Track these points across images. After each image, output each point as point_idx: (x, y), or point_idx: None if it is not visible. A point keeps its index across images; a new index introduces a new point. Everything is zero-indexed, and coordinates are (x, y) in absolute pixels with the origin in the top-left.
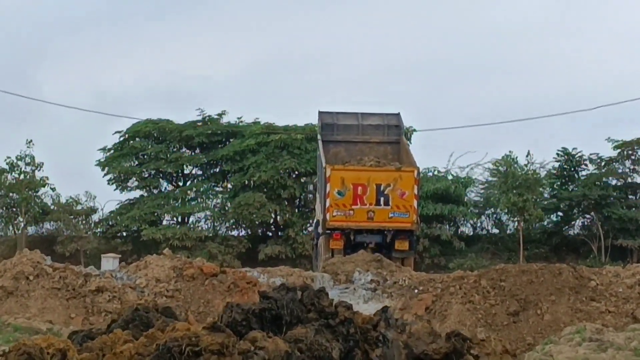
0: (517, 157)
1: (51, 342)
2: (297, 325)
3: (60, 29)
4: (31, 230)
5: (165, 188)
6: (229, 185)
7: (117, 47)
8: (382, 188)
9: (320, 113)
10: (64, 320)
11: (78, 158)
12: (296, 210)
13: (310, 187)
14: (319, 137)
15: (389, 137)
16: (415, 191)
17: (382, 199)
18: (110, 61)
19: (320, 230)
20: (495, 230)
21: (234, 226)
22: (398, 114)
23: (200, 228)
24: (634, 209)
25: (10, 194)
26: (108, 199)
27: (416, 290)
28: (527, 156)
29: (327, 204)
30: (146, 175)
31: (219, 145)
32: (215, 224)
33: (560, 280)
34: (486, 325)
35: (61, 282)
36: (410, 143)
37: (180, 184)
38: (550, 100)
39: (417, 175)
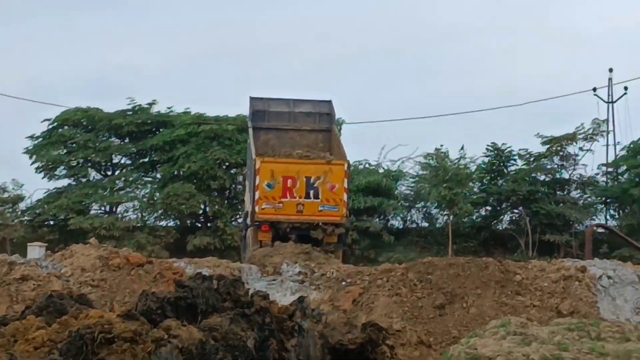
0: (448, 151)
1: None
2: (212, 315)
3: None
4: None
5: (94, 177)
6: (158, 175)
7: (47, 35)
8: (312, 181)
9: (251, 99)
10: None
11: (5, 146)
12: (226, 202)
13: (240, 179)
14: (249, 124)
15: (320, 125)
16: (345, 184)
17: (311, 192)
18: (40, 49)
19: (249, 221)
20: (425, 224)
21: (162, 217)
22: (330, 102)
23: (128, 218)
24: (561, 204)
25: None
26: (36, 187)
27: (344, 283)
28: (460, 150)
29: (257, 197)
30: (74, 164)
31: (149, 135)
32: (144, 214)
33: (487, 274)
34: (412, 318)
35: None
36: (341, 134)
37: (109, 173)
38: (482, 96)
39: (347, 168)
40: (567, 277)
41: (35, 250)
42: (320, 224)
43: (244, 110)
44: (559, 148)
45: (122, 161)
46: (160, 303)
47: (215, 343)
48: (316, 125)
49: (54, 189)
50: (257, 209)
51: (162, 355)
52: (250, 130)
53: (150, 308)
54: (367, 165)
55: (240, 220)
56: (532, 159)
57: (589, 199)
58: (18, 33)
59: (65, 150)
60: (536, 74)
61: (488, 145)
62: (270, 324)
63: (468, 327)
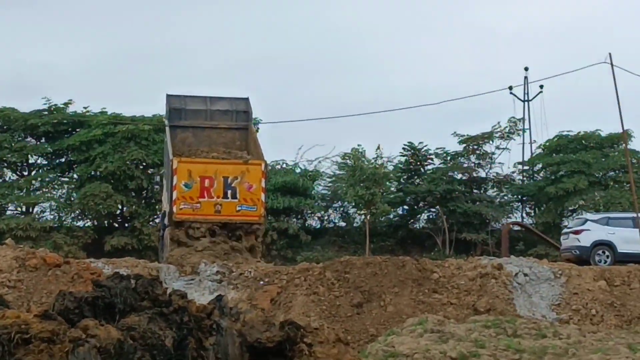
0: (365, 151)
1: None
2: (130, 314)
3: None
4: None
5: (10, 177)
6: (75, 176)
7: None
8: (229, 181)
9: (168, 96)
10: None
11: None
12: (143, 202)
13: (157, 178)
14: (166, 122)
15: (237, 122)
16: (263, 184)
17: (229, 191)
18: None
19: (166, 221)
20: (342, 224)
21: (79, 217)
22: (247, 99)
23: (45, 218)
24: (478, 203)
25: None
26: None
27: (262, 282)
28: (376, 150)
29: (174, 197)
30: None
31: (65, 135)
32: (61, 214)
33: (404, 272)
34: (330, 317)
35: None
36: (258, 132)
37: (25, 173)
38: (398, 96)
39: (264, 168)
40: (484, 275)
41: None
42: (237, 223)
43: (161, 110)
44: (475, 147)
45: (39, 161)
46: (77, 303)
47: (133, 342)
48: (233, 123)
49: None
50: (174, 209)
51: (80, 354)
52: (167, 129)
53: (68, 308)
54: (284, 165)
55: (158, 220)
56: (449, 157)
57: (505, 197)
58: None
59: None
60: (452, 73)
61: (405, 145)
62: (188, 323)
63: (386, 325)
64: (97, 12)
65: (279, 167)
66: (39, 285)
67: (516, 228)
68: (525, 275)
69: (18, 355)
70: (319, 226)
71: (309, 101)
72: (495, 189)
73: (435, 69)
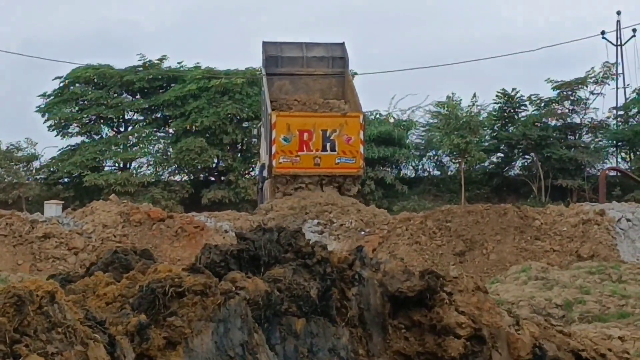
0: (460, 99)
1: (39, 285)
2: (274, 266)
3: None
4: None
5: (107, 134)
6: (171, 131)
7: None
8: (328, 134)
9: (264, 44)
10: (12, 266)
11: (16, 105)
12: (238, 155)
13: (255, 132)
14: (262, 71)
15: (333, 69)
16: (361, 136)
17: (328, 144)
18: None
19: (265, 174)
20: (437, 172)
21: (176, 171)
22: (342, 44)
23: (142, 173)
24: (573, 149)
25: None
26: (47, 145)
27: (362, 233)
28: (472, 98)
29: (273, 151)
30: (87, 121)
31: (160, 91)
32: (158, 169)
33: (506, 220)
34: (433, 266)
35: (7, 229)
36: (354, 78)
37: (122, 129)
38: (487, 44)
39: (362, 120)
40: (586, 221)
41: (52, 208)
42: (337, 176)
43: (254, 63)
44: (569, 92)
45: (135, 117)
46: (223, 256)
47: (279, 294)
48: (330, 70)
49: (67, 146)
50: (274, 163)
51: (231, 307)
52: (264, 79)
53: (214, 261)
54: (377, 116)
55: (255, 173)
56: (542, 104)
57: (600, 143)
58: None
59: (77, 108)
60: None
61: (498, 92)
62: (331, 274)
63: (489, 273)
64: None
65: (372, 117)
66: (144, 240)
67: (612, 173)
68: (628, 220)
69: (172, 308)
70: (413, 175)
71: (398, 51)
72: (590, 135)
73: (524, 16)
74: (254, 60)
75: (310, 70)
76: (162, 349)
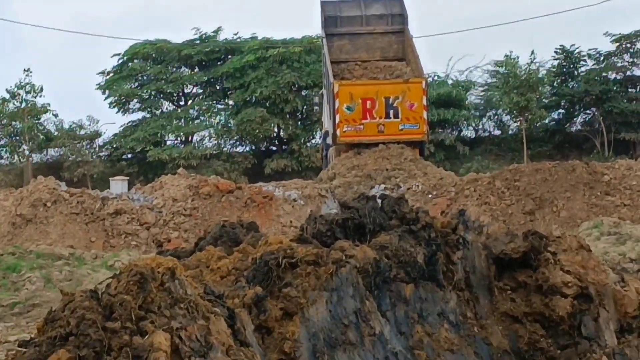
0: (518, 58)
1: (160, 262)
2: (380, 233)
3: None
4: (36, 157)
5: (167, 108)
6: (231, 102)
7: None
8: (390, 101)
9: (322, 3)
10: (85, 244)
11: (75, 83)
12: (299, 124)
13: (316, 100)
14: (322, 32)
15: (392, 26)
16: (424, 102)
17: (391, 111)
18: None
19: (329, 141)
20: (497, 132)
21: (238, 142)
22: (401, 0)
23: (204, 146)
24: (634, 102)
25: (13, 123)
26: (107, 122)
27: (430, 195)
28: (530, 55)
29: (337, 120)
30: (147, 97)
31: (218, 63)
32: (220, 141)
33: (574, 176)
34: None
35: (79, 207)
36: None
37: (182, 103)
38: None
39: (424, 86)
40: None
41: (118, 184)
42: (401, 142)
43: (310, 31)
44: (629, 45)
45: (194, 91)
46: (329, 225)
47: (387, 260)
48: (389, 27)
49: (128, 122)
50: (338, 132)
51: (343, 275)
52: (324, 41)
53: (320, 231)
54: (435, 78)
55: (314, 141)
56: (602, 58)
57: None
58: None
59: (137, 84)
60: None
61: (556, 48)
62: (436, 239)
63: (560, 230)
64: None
65: (430, 79)
66: (214, 212)
67: None
68: None
69: (287, 279)
70: (473, 136)
71: (452, 11)
72: None
73: None
74: (311, 28)
75: (369, 29)
76: (279, 320)
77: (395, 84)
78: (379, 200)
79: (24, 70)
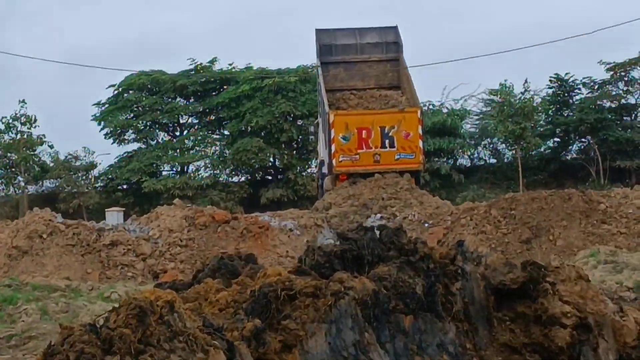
0: (512, 86)
1: (159, 295)
2: (378, 264)
3: None
4: (31, 189)
5: (162, 139)
6: (226, 132)
7: (86, 3)
8: (386, 130)
9: (317, 32)
10: (81, 275)
11: (70, 114)
12: (294, 153)
13: (311, 129)
14: (317, 61)
15: (387, 54)
16: (420, 131)
17: (387, 141)
18: (74, 14)
19: (325, 170)
20: (493, 160)
21: (233, 172)
22: (395, 28)
23: (200, 176)
24: (629, 130)
25: (9, 154)
26: (101, 153)
27: (426, 225)
28: (524, 83)
29: (333, 150)
30: (142, 127)
31: (213, 93)
32: (215, 171)
33: (570, 205)
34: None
35: (75, 239)
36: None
37: (177, 133)
38: (533, 30)
39: (420, 115)
40: None
41: (114, 215)
42: (397, 172)
43: (304, 60)
44: (623, 73)
45: (189, 121)
46: (327, 257)
47: (386, 292)
48: (384, 56)
49: (124, 153)
50: (334, 162)
51: (342, 307)
52: (319, 70)
53: (319, 262)
54: (430, 107)
55: (311, 171)
56: (596, 86)
57: None
58: (54, 1)
59: (132, 115)
60: (584, 4)
61: (551, 77)
62: (434, 270)
63: (557, 259)
64: None
65: (425, 108)
66: (210, 242)
67: None
68: None
69: (286, 311)
70: (469, 165)
71: (445, 41)
72: None
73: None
74: (306, 57)
75: (364, 57)
76: (279, 352)
77: (391, 113)
78: (377, 231)
79: (19, 101)
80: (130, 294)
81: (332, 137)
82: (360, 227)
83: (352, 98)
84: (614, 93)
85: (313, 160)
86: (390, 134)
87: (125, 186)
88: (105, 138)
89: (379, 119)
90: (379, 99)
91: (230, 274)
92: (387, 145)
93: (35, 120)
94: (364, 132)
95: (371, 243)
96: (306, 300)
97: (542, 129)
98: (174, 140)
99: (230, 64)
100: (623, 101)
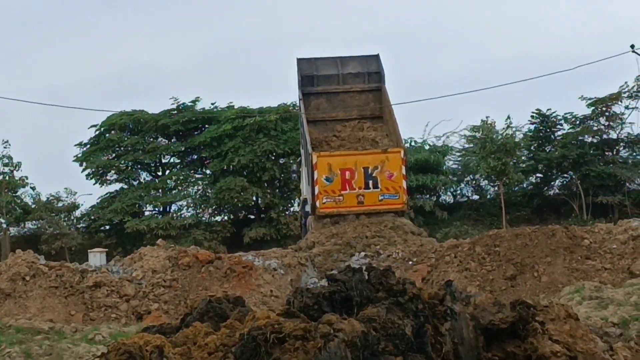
0: (494, 122)
1: (147, 340)
2: (367, 306)
3: (8, 28)
4: (13, 230)
5: (145, 179)
6: (208, 172)
7: (64, 42)
8: (370, 171)
9: (299, 61)
10: (65, 317)
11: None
12: (277, 192)
13: (294, 167)
14: (299, 93)
15: (369, 84)
16: (403, 171)
17: (370, 182)
18: (57, 57)
19: (308, 209)
20: (476, 197)
21: (216, 212)
22: (377, 56)
23: (183, 216)
24: (611, 165)
25: None
26: (83, 194)
27: (410, 262)
28: (506, 120)
29: (316, 191)
30: (124, 167)
31: (195, 132)
32: (198, 211)
33: (554, 241)
34: (485, 292)
35: (58, 280)
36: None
37: (160, 173)
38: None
39: (403, 155)
40: (636, 237)
41: (96, 257)
42: (381, 212)
43: (286, 99)
44: (604, 108)
45: (171, 160)
46: (316, 298)
47: (375, 333)
48: (366, 86)
49: (106, 194)
50: (317, 203)
51: (332, 349)
52: (301, 103)
53: (307, 304)
54: (412, 144)
55: (293, 210)
56: (578, 122)
57: (639, 157)
58: (34, 42)
59: (114, 155)
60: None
61: (533, 112)
62: (423, 310)
63: (544, 297)
64: (197, 10)
65: (407, 145)
66: (194, 283)
67: None
68: None
69: (275, 355)
70: (452, 201)
71: (423, 77)
72: (627, 150)
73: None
74: (287, 94)
75: (346, 87)
76: None
77: (374, 154)
78: (365, 272)
79: (2, 141)
80: (120, 339)
81: (315, 178)
82: (348, 268)
83: (335, 140)
84: (595, 128)
85: (295, 199)
86: (373, 174)
87: (107, 227)
88: (87, 179)
89: (362, 159)
90: (362, 140)
91: (219, 317)
92: (370, 185)
93: (20, 165)
94: (347, 173)
95: (359, 284)
96: (295, 343)
97: (524, 165)
98: (157, 180)
99: (212, 103)
100: (605, 136)
